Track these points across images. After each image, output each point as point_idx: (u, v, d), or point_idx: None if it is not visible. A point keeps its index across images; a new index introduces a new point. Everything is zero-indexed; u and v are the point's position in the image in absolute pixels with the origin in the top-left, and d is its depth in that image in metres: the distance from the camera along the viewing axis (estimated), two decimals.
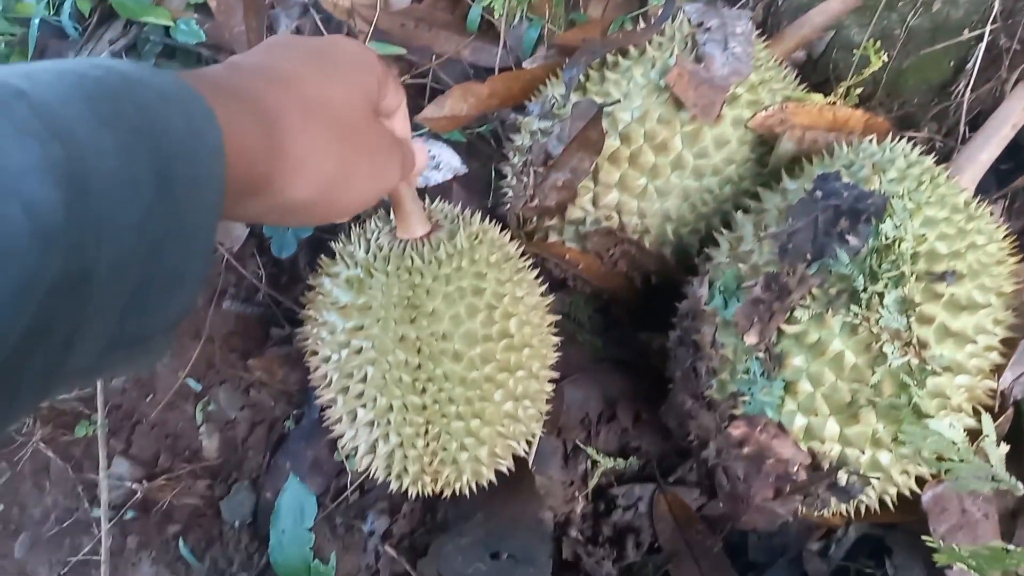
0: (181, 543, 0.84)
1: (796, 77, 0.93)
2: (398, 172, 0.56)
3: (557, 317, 0.81)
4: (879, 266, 0.64)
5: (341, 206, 0.51)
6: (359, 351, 0.71)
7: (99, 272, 0.27)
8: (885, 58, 0.79)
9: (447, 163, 1.01)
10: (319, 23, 1.22)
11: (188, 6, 1.26)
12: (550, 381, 0.81)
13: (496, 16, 1.04)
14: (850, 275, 0.65)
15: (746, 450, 0.71)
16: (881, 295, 0.64)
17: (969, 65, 0.84)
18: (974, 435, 0.68)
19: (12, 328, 0.24)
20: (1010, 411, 0.71)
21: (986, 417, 0.66)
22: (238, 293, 0.97)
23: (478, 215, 0.77)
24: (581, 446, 0.91)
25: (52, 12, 1.30)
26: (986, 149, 0.71)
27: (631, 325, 0.95)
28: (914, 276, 0.64)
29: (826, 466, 0.69)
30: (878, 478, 0.68)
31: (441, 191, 0.98)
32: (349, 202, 0.51)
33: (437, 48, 1.18)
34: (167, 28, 1.22)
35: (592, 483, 0.89)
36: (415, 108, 1.11)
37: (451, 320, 0.69)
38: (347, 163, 0.48)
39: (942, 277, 0.64)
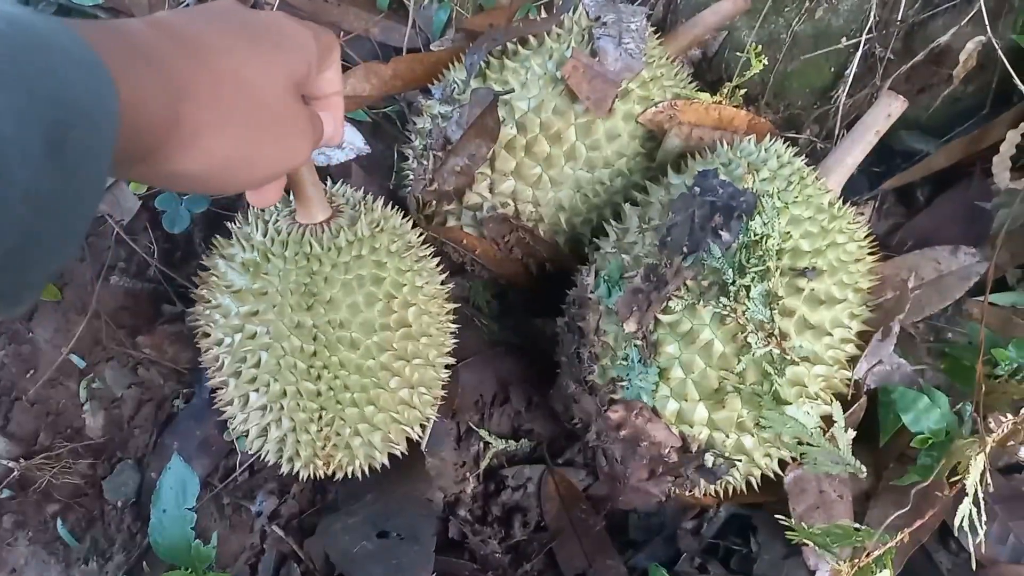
0: (59, 523, 0.82)
1: (691, 74, 0.96)
2: (305, 155, 0.55)
3: (456, 305, 0.82)
4: (747, 261, 0.68)
5: (237, 182, 0.49)
6: (253, 336, 0.70)
7: None
8: (766, 61, 0.82)
9: (350, 142, 1.01)
10: None
11: None
12: (446, 367, 0.83)
13: None
14: (721, 268, 0.68)
15: (623, 433, 0.75)
16: (748, 288, 0.68)
17: (847, 72, 0.88)
18: (832, 421, 0.73)
19: None
20: (863, 399, 0.77)
21: (836, 405, 0.70)
22: (128, 268, 0.95)
23: (380, 201, 0.77)
24: (474, 428, 0.93)
25: None
26: (851, 153, 0.75)
27: (527, 311, 0.98)
28: (779, 271, 0.68)
29: (695, 448, 0.73)
30: (741, 460, 0.72)
31: (342, 171, 0.98)
32: (246, 179, 0.50)
33: (346, 25, 1.17)
34: None
35: (484, 464, 0.92)
36: None
37: (349, 308, 0.69)
38: (249, 143, 0.47)
39: (803, 273, 0.68)
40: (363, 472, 0.80)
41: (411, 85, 0.98)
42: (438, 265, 0.80)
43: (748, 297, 0.68)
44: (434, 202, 0.89)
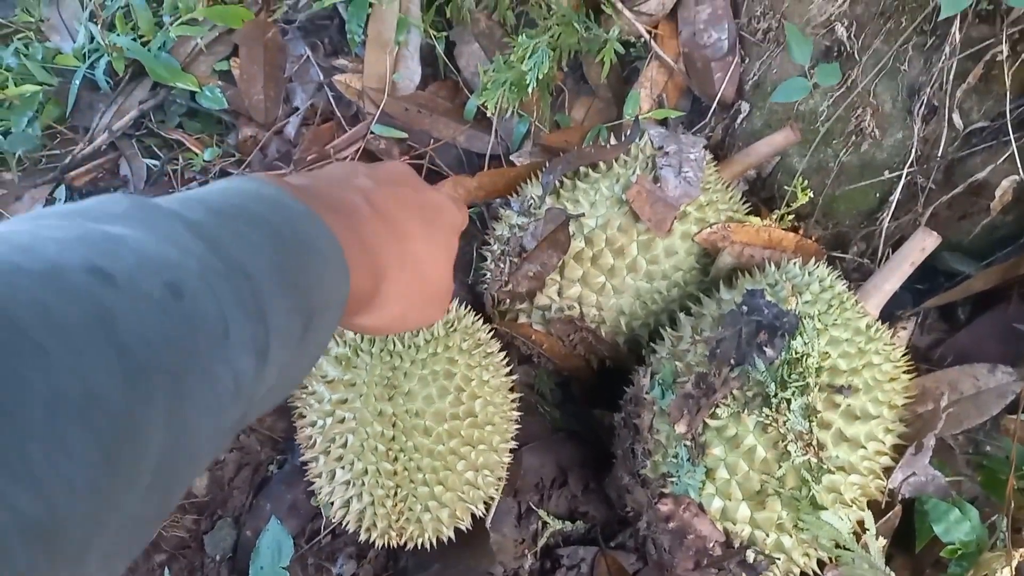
0: (166, 571, 0.93)
1: (746, 192, 1.06)
2: (442, 314, 0.66)
3: (519, 395, 0.92)
4: (789, 376, 0.76)
5: (388, 331, 0.60)
6: (342, 420, 0.81)
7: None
8: (811, 194, 0.92)
9: None
10: (331, 100, 1.35)
11: (213, 72, 1.39)
12: (509, 452, 0.92)
13: (490, 110, 1.17)
14: (764, 381, 0.76)
15: (671, 525, 0.82)
16: (789, 401, 0.75)
17: (891, 199, 0.97)
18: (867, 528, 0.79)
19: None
20: (898, 508, 0.82)
21: (868, 514, 0.77)
22: None
23: (456, 301, 0.88)
24: (534, 508, 1.01)
25: (87, 66, 1.42)
26: (889, 281, 0.83)
27: (587, 402, 1.06)
28: (817, 387, 0.76)
29: (737, 544, 0.79)
30: (780, 559, 0.78)
31: None
32: (400, 329, 0.61)
33: (435, 133, 1.31)
34: (193, 92, 1.34)
35: (541, 542, 0.99)
36: None
37: (424, 399, 0.80)
38: (415, 308, 0.58)
39: (840, 390, 0.76)
40: (431, 544, 0.89)
41: (493, 196, 1.10)
42: (505, 357, 0.91)
43: (789, 409, 0.76)
44: (508, 300, 0.99)
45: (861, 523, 0.81)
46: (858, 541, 0.81)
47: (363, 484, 0.83)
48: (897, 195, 0.96)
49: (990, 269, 0.96)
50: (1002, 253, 0.98)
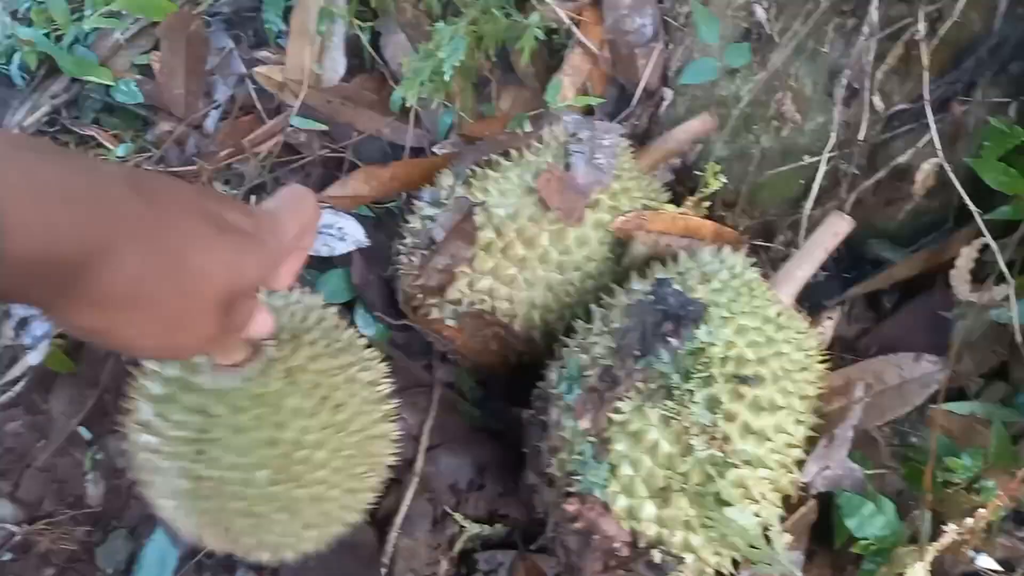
0: None
1: (671, 183, 1.02)
2: (192, 352, 0.52)
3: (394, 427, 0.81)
4: (693, 367, 0.73)
5: (110, 338, 0.43)
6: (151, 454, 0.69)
7: None
8: (723, 180, 0.88)
9: (351, 235, 1.09)
10: (253, 93, 1.30)
11: (133, 66, 1.34)
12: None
13: (409, 101, 1.13)
14: (668, 373, 0.73)
15: (578, 525, 0.78)
16: (692, 392, 0.72)
17: (814, 185, 0.94)
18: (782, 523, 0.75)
19: None
20: (812, 502, 0.79)
21: (771, 509, 0.73)
22: None
23: (326, 322, 0.75)
24: (449, 512, 0.96)
25: (3, 61, 1.37)
26: (801, 268, 0.80)
27: (506, 399, 1.02)
28: (723, 378, 0.72)
29: (643, 544, 0.75)
30: (687, 558, 0.75)
31: (344, 260, 1.06)
32: (123, 340, 0.43)
33: (359, 125, 1.27)
34: (108, 87, 1.29)
35: (457, 547, 0.95)
36: (333, 180, 1.19)
37: (237, 468, 0.66)
38: (149, 315, 0.42)
39: (745, 380, 0.72)
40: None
41: (409, 187, 1.06)
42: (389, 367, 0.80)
43: (692, 401, 0.72)
44: (420, 295, 0.95)
45: (778, 519, 0.78)
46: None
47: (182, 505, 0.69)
48: (818, 181, 0.93)
49: (914, 256, 0.93)
50: (928, 239, 0.96)
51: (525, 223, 0.87)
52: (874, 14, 0.85)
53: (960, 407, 0.86)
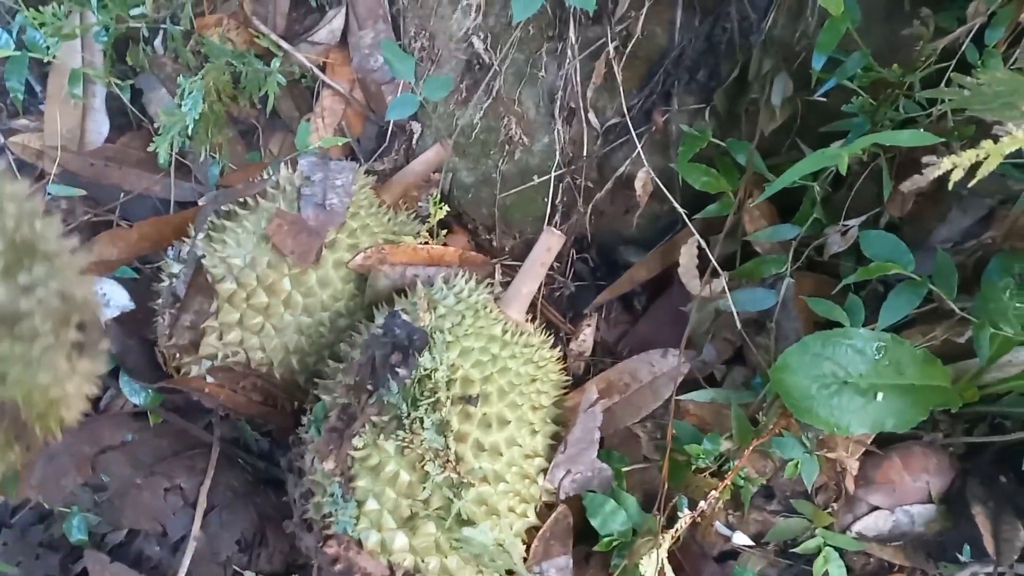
0: None
1: (426, 216, 1.04)
2: None
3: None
4: (420, 394, 0.74)
5: None
6: None
7: None
8: (447, 208, 0.92)
9: (115, 299, 1.05)
10: (12, 164, 1.24)
11: None
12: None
13: (161, 157, 1.11)
14: (397, 403, 0.74)
15: (339, 567, 0.78)
16: (422, 420, 0.73)
17: (549, 202, 0.98)
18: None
19: None
20: (563, 507, 0.82)
21: (521, 521, 0.76)
22: None
23: None
24: (239, 571, 0.94)
25: None
26: (525, 284, 0.83)
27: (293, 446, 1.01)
28: (450, 401, 0.74)
29: (401, 575, 0.76)
30: None
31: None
32: None
33: (127, 185, 1.23)
34: None
35: None
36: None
37: None
38: None
39: (470, 400, 0.74)
40: None
41: (161, 245, 1.03)
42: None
43: (422, 427, 0.74)
44: (178, 355, 0.93)
45: (531, 530, 0.80)
46: (529, 547, 0.80)
47: None
48: (551, 198, 0.97)
49: (648, 257, 0.99)
50: (666, 239, 1.02)
51: (265, 270, 0.87)
52: (573, 37, 0.90)
53: (701, 395, 0.91)
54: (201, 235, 0.92)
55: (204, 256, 0.86)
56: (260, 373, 0.90)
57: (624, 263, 1.05)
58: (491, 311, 0.81)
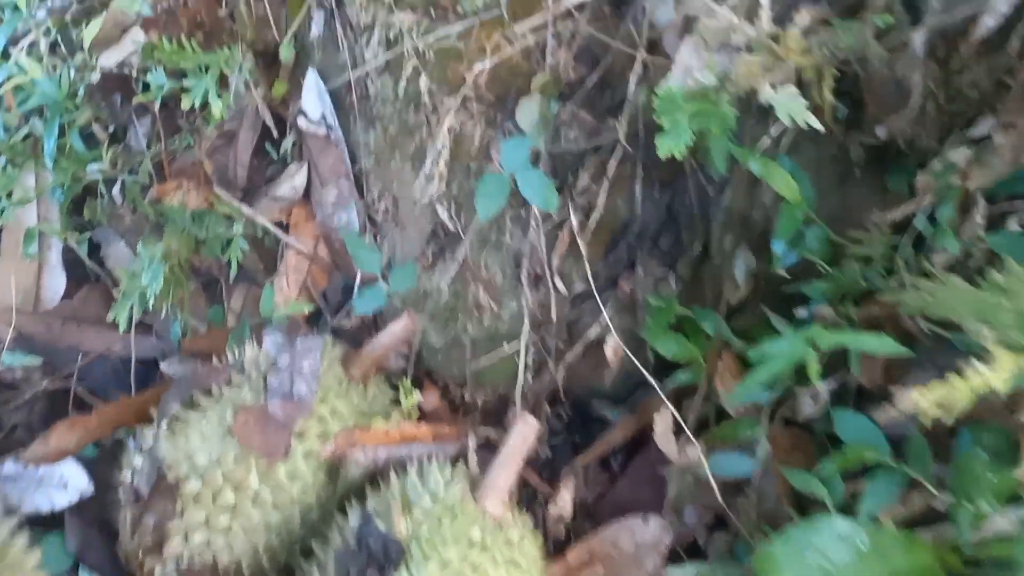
0: None
1: (395, 384, 1.01)
2: None
3: None
4: None
5: None
6: None
7: None
8: (418, 395, 0.91)
9: (73, 483, 1.01)
10: None
11: None
12: None
13: (121, 325, 1.09)
14: None
15: None
16: None
17: (519, 366, 0.97)
18: None
19: None
20: None
21: None
22: None
23: None
24: None
25: None
26: (502, 476, 0.82)
27: None
28: None
29: None
30: None
31: (53, 522, 0.97)
32: None
33: (87, 345, 1.20)
34: None
35: None
36: (56, 417, 1.10)
37: None
38: None
39: None
40: None
41: (124, 425, 1.00)
42: None
43: None
44: (139, 553, 0.89)
45: None
46: None
47: None
48: (523, 362, 0.96)
49: (625, 419, 0.98)
50: (641, 394, 1.01)
51: (231, 468, 0.84)
52: (536, 210, 0.90)
53: (686, 572, 0.89)
54: (164, 427, 0.89)
55: (167, 453, 0.83)
56: (229, 574, 0.87)
57: (599, 416, 1.04)
58: (469, 509, 0.78)
